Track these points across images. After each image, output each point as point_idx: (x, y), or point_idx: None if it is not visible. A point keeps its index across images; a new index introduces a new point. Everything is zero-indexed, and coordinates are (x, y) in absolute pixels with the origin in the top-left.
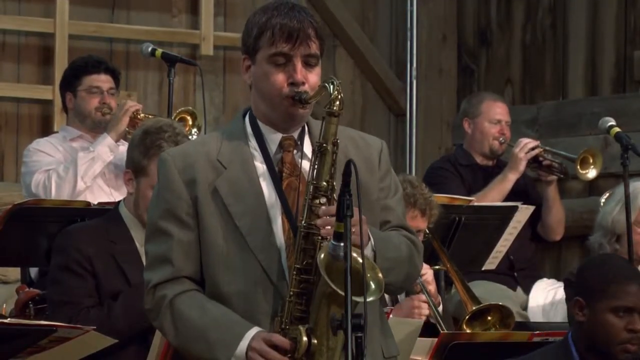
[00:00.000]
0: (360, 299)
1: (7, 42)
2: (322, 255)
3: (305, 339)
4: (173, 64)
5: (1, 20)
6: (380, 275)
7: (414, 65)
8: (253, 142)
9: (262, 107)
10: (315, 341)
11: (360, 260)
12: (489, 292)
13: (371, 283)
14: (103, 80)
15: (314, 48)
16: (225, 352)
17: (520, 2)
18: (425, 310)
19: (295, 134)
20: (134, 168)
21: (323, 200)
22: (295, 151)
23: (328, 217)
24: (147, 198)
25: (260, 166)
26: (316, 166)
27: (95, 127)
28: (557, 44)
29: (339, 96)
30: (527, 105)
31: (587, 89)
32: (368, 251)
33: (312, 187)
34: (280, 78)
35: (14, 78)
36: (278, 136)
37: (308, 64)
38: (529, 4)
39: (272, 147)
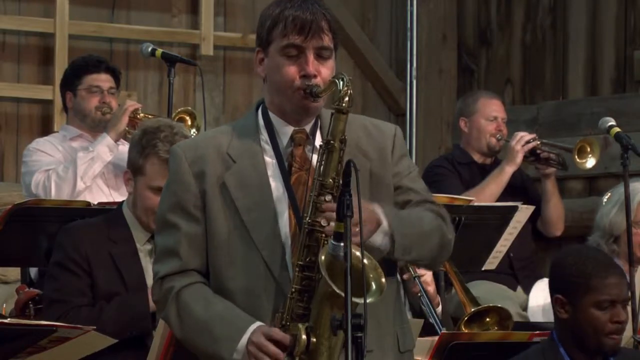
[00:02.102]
0: (360, 300)
1: (7, 42)
2: (323, 257)
3: (304, 337)
4: (173, 64)
5: (1, 20)
6: (383, 278)
7: (414, 65)
8: (264, 135)
9: (275, 100)
10: (314, 339)
11: (363, 260)
12: (489, 292)
13: (372, 284)
14: (103, 80)
15: (327, 41)
16: (228, 346)
17: (520, 2)
18: (431, 288)
19: (308, 127)
20: (131, 167)
21: (328, 197)
22: (306, 145)
23: (331, 213)
24: (144, 197)
25: (270, 160)
26: (323, 163)
27: (96, 126)
28: (557, 44)
29: (349, 92)
30: (527, 105)
31: (587, 89)
32: (379, 237)
33: (318, 183)
34: (292, 70)
35: (14, 78)
36: (290, 129)
37: (321, 57)
38: (529, 4)
39: (284, 140)
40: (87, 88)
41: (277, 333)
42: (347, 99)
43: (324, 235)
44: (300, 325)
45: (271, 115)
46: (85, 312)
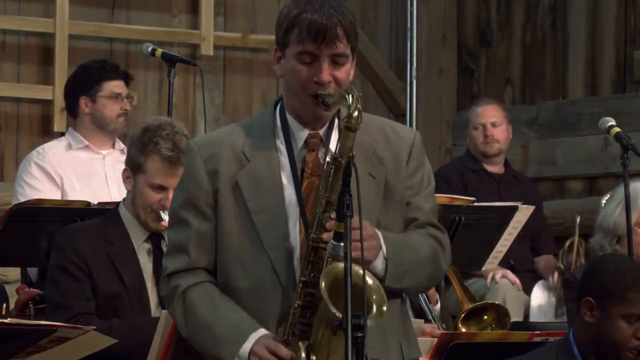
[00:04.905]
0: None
1: (7, 42)
2: (324, 283)
3: (303, 355)
4: (173, 64)
5: (1, 20)
6: (385, 305)
7: (414, 65)
8: (280, 136)
9: (290, 101)
10: (314, 358)
11: (364, 277)
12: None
13: (374, 305)
14: (121, 87)
15: (342, 47)
16: (230, 350)
17: (520, 2)
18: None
19: (322, 131)
20: (131, 165)
21: (334, 214)
22: (321, 148)
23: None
24: (143, 195)
25: (284, 163)
26: (330, 179)
27: (115, 133)
28: (557, 44)
29: (358, 108)
30: (527, 105)
31: (587, 89)
32: (379, 260)
33: (324, 200)
34: (306, 76)
35: (14, 78)
36: (305, 133)
37: (336, 62)
38: (529, 4)
39: (299, 143)
40: (108, 95)
41: (281, 349)
42: (356, 115)
43: (327, 252)
44: (300, 344)
45: (288, 116)
46: (96, 322)
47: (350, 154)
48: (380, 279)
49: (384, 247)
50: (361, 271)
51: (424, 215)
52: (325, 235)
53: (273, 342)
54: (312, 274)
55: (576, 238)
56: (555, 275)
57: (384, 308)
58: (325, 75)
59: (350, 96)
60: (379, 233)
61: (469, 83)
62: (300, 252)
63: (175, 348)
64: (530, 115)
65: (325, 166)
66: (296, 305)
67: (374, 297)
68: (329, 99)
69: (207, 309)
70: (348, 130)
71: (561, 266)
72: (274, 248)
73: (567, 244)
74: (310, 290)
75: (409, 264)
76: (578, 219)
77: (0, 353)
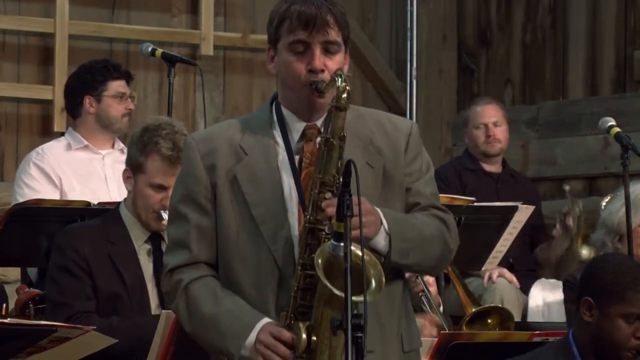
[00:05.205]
0: (359, 299)
1: (7, 42)
2: (320, 260)
3: (304, 336)
4: (173, 64)
5: (1, 20)
6: (383, 276)
7: (414, 65)
8: (277, 130)
9: (286, 96)
10: (315, 338)
11: (363, 257)
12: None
13: (372, 280)
14: (125, 86)
15: (333, 35)
16: (235, 342)
17: (520, 2)
18: (434, 332)
19: (319, 122)
20: (131, 165)
21: (328, 195)
22: (318, 139)
23: (331, 209)
24: (144, 195)
25: (281, 155)
26: (323, 160)
27: (119, 133)
28: (557, 44)
29: (347, 89)
30: (527, 105)
31: (587, 89)
32: (381, 236)
33: (318, 181)
34: (299, 66)
35: (14, 78)
36: (302, 125)
37: (328, 51)
38: (529, 4)
39: (295, 136)
40: (114, 95)
41: (284, 333)
42: (344, 95)
43: (324, 233)
44: (301, 325)
45: (283, 110)
46: (96, 320)
47: (342, 134)
48: (384, 255)
49: (385, 224)
50: (356, 251)
51: (426, 199)
52: (329, 210)
53: (276, 327)
54: (310, 256)
55: (569, 204)
56: (558, 226)
57: (383, 280)
58: (318, 62)
59: (338, 78)
60: (379, 210)
61: (469, 83)
62: (300, 242)
63: (175, 348)
64: (530, 115)
65: (317, 148)
66: (295, 288)
67: (371, 271)
68: (322, 84)
69: (211, 302)
70: (338, 110)
71: (562, 216)
72: (273, 240)
73: (565, 209)
74: (309, 273)
75: (414, 240)
76: (567, 188)
77: (0, 353)
